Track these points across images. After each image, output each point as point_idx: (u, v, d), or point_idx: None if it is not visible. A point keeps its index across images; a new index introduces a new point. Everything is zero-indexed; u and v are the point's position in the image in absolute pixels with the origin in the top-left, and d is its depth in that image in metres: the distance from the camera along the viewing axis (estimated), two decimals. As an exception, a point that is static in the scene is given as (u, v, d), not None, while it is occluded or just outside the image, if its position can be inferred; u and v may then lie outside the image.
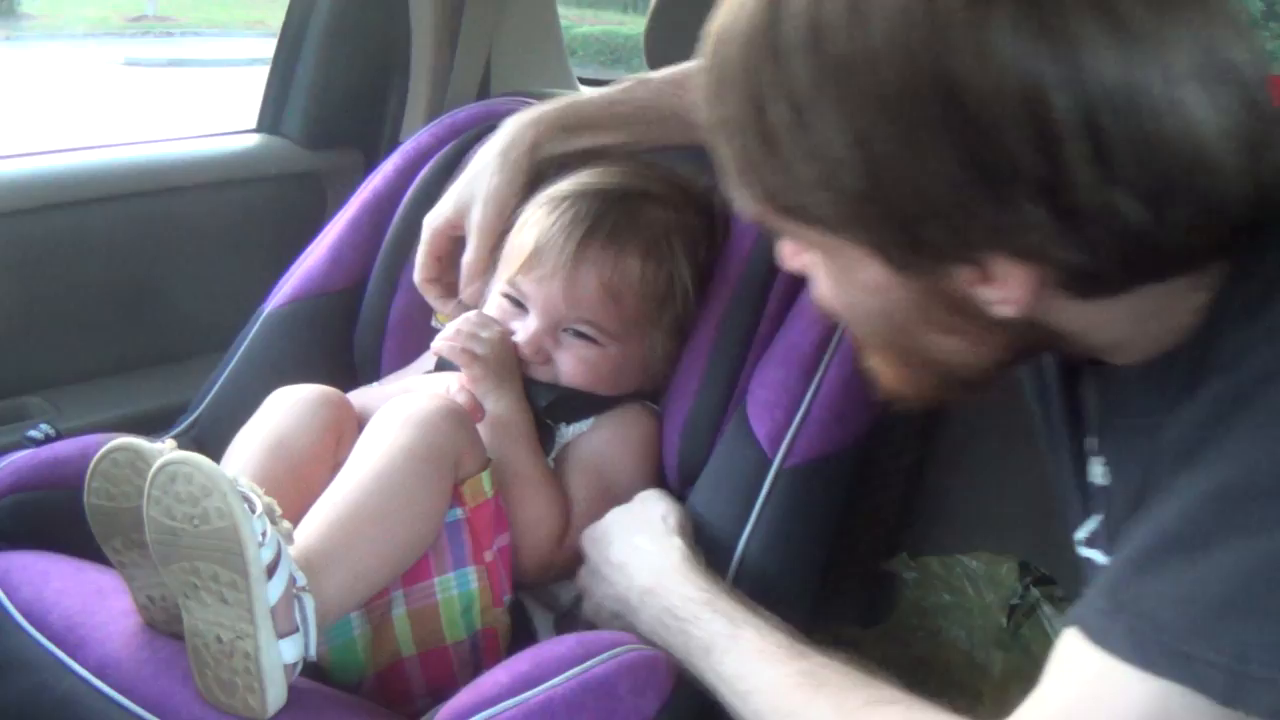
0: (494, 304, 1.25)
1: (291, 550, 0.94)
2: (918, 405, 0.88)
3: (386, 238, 1.44)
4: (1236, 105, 0.67)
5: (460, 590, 1.08)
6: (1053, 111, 0.64)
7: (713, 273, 1.25)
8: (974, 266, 0.70)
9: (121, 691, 0.96)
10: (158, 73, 7.24)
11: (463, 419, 1.12)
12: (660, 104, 1.27)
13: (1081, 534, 0.89)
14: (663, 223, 1.21)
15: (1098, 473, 0.86)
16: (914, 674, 0.99)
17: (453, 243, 1.29)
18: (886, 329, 0.80)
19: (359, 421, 1.19)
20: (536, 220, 1.21)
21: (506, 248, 1.25)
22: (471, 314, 1.22)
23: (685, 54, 0.76)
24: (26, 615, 1.04)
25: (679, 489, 1.17)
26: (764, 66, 0.69)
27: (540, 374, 1.21)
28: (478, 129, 1.47)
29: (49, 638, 1.02)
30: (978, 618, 1.11)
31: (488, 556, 1.10)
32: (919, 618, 1.05)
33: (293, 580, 0.92)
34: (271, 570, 0.90)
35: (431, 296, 1.31)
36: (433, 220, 1.29)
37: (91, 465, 0.98)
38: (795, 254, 0.82)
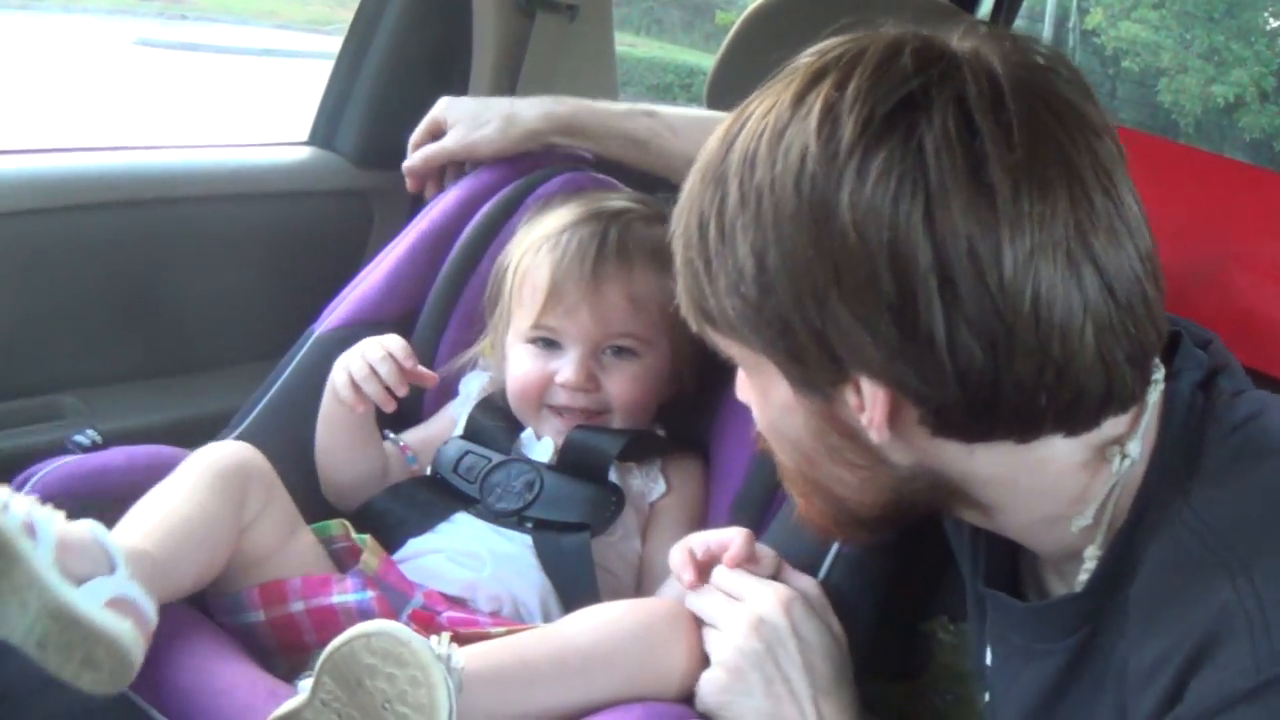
0: (520, 356, 1.27)
1: (462, 661, 0.91)
2: (825, 538, 1.02)
3: (443, 271, 1.44)
4: (1096, 289, 0.75)
5: None
6: (913, 249, 0.74)
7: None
8: (845, 384, 0.80)
9: None
10: (168, 54, 7.21)
11: (695, 641, 1.05)
12: (654, 142, 1.46)
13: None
14: (657, 234, 1.23)
15: (987, 656, 0.95)
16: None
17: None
18: (796, 455, 0.90)
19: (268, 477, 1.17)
20: (540, 261, 1.26)
21: (517, 298, 1.28)
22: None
23: (744, 98, 0.85)
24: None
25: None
26: (711, 191, 0.82)
27: (596, 413, 1.26)
28: (545, 171, 1.48)
29: None
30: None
31: None
32: (947, 682, 1.06)
33: None
34: None
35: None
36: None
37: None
38: (741, 387, 0.93)
